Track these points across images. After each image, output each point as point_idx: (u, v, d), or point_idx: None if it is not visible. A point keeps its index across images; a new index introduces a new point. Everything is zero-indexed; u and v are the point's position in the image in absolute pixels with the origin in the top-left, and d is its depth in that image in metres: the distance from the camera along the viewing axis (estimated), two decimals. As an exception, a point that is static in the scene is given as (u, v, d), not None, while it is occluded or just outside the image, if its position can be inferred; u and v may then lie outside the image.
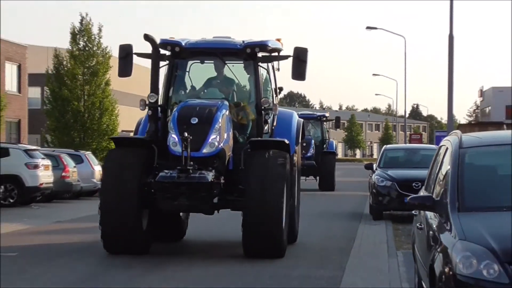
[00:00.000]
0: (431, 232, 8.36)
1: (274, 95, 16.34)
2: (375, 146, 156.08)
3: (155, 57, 15.31)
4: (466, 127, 46.67)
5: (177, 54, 15.38)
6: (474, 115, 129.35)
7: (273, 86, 16.38)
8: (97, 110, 45.60)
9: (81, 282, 12.06)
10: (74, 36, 45.39)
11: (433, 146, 28.91)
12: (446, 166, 8.70)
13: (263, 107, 15.05)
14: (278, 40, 15.89)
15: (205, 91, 15.88)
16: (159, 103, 15.14)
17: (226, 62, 15.81)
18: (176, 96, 15.63)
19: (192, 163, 13.54)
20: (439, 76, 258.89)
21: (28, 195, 28.07)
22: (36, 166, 28.23)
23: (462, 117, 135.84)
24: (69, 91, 45.01)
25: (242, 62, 15.82)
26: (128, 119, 46.84)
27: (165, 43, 15.34)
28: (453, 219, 7.74)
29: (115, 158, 14.58)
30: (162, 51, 15.51)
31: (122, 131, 54.09)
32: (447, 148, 9.11)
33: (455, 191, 8.12)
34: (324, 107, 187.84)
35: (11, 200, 27.52)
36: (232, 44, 15.64)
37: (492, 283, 6.94)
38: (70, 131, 45.01)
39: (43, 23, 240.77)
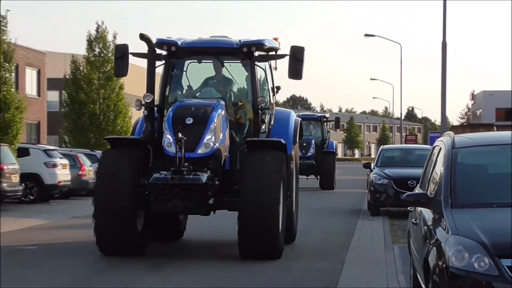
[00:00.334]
0: (425, 227, 8.35)
1: (271, 94, 15.50)
2: (372, 146, 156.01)
3: (151, 57, 14.43)
4: (458, 129, 46.64)
5: (173, 54, 14.44)
6: (466, 117, 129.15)
7: (270, 85, 15.55)
8: (112, 112, 45.65)
9: (87, 277, 11.98)
10: (90, 43, 45.45)
11: (427, 146, 28.90)
12: (440, 165, 8.69)
13: (259, 107, 14.23)
14: (276, 39, 15.11)
15: (202, 90, 14.92)
16: (155, 103, 14.30)
17: (223, 61, 14.86)
18: (173, 96, 14.74)
19: (187, 164, 12.69)
20: (433, 80, 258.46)
21: (47, 192, 28.18)
22: (54, 165, 28.34)
23: (454, 119, 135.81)
24: (85, 94, 45.09)
25: (239, 61, 14.88)
26: (141, 121, 46.75)
27: (161, 43, 14.41)
28: (446, 215, 7.73)
29: (109, 159, 13.57)
30: (159, 51, 14.59)
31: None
32: (440, 148, 9.11)
33: (448, 188, 8.11)
34: (324, 109, 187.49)
35: (31, 197, 27.64)
36: (228, 44, 14.69)
37: (483, 275, 6.93)
38: (86, 132, 45.08)
39: (61, 31, 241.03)
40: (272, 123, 15.07)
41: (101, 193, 13.05)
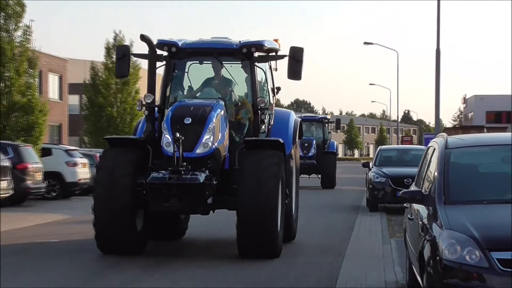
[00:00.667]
0: (420, 222, 8.34)
1: (272, 95, 14.67)
2: (371, 147, 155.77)
3: (152, 58, 13.62)
4: (451, 130, 46.55)
5: (174, 55, 13.71)
6: (458, 119, 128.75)
7: (270, 86, 14.70)
8: (128, 115, 45.76)
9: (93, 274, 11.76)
10: (108, 50, 45.50)
11: (422, 147, 28.86)
12: (434, 165, 8.69)
13: (259, 107, 13.41)
14: (276, 40, 14.30)
15: (202, 91, 14.08)
16: (157, 103, 13.60)
17: (223, 62, 14.00)
18: (174, 96, 13.90)
19: (185, 163, 11.96)
20: (427, 85, 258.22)
21: (68, 190, 28.25)
22: (75, 164, 28.42)
23: (447, 121, 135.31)
24: (104, 98, 45.23)
25: (239, 62, 14.04)
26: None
27: (162, 44, 13.67)
28: (440, 211, 7.73)
29: (108, 158, 12.72)
30: (160, 52, 13.81)
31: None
32: (434, 149, 9.11)
33: (441, 186, 8.11)
34: (326, 112, 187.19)
35: (54, 194, 27.71)
36: (228, 44, 13.89)
37: (474, 267, 6.93)
38: (104, 134, 45.02)
39: (82, 40, 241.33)
40: (272, 123, 14.37)
41: (100, 192, 12.34)
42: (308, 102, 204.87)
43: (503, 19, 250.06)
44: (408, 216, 9.58)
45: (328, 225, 18.68)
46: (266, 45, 13.85)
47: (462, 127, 63.55)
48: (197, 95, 13.98)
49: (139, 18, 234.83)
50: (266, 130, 13.96)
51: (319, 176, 35.80)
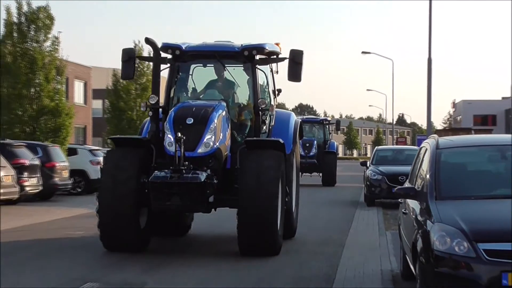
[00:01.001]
0: (413, 216, 8.33)
1: (273, 97, 13.99)
2: (368, 147, 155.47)
3: (156, 60, 13.02)
4: (442, 132, 46.42)
5: (178, 57, 13.03)
6: (448, 122, 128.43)
7: (272, 88, 14.00)
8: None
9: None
10: (128, 59, 45.60)
11: (415, 147, 28.79)
12: (426, 163, 8.67)
13: (260, 108, 12.76)
14: (277, 44, 13.64)
15: (205, 93, 13.38)
16: (161, 105, 12.95)
17: (226, 65, 13.31)
18: (177, 98, 13.22)
19: (187, 163, 11.33)
20: (420, 90, 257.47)
21: (92, 186, 28.10)
22: (98, 163, 28.27)
23: (438, 123, 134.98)
24: (124, 103, 45.26)
25: (241, 65, 13.31)
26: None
27: (166, 47, 12.99)
28: (431, 206, 7.72)
29: (112, 158, 12.08)
30: (164, 55, 13.19)
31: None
32: (426, 149, 9.09)
33: (433, 183, 8.10)
34: (327, 115, 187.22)
35: (79, 190, 27.72)
36: (230, 47, 13.22)
37: (462, 257, 6.93)
38: (125, 135, 45.25)
39: (105, 49, 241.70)
40: (273, 123, 13.69)
41: (105, 190, 11.68)
42: (311, 106, 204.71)
43: (489, 30, 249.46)
44: (402, 210, 9.56)
45: (329, 219, 18.67)
46: (267, 48, 13.21)
47: (451, 129, 63.37)
48: (201, 96, 13.35)
49: (158, 30, 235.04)
50: (267, 130, 13.37)
51: (320, 174, 35.29)
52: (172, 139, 11.45)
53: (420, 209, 8.02)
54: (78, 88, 53.05)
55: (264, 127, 13.13)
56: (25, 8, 33.86)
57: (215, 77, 13.60)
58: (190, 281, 9.94)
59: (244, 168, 11.73)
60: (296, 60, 12.96)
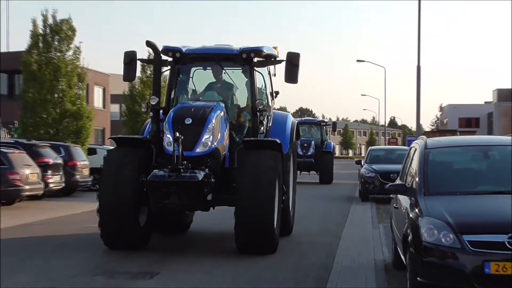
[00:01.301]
0: (404, 210, 8.33)
1: (270, 99, 13.26)
2: (363, 147, 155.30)
3: (157, 63, 12.32)
4: (430, 134, 46.38)
5: (178, 60, 12.38)
6: (435, 124, 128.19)
7: (269, 90, 13.27)
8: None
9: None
10: (143, 67, 45.59)
11: (406, 147, 28.76)
12: (415, 162, 8.67)
13: (257, 109, 12.10)
14: (275, 48, 12.93)
15: (205, 94, 12.70)
16: (162, 106, 12.33)
17: (225, 68, 12.65)
18: (178, 99, 12.55)
19: (185, 162, 10.65)
20: (410, 95, 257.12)
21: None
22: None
23: (426, 126, 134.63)
24: (140, 107, 45.30)
25: (239, 67, 12.64)
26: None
27: (167, 50, 12.36)
28: (420, 201, 7.72)
29: (113, 157, 11.43)
30: (165, 57, 12.55)
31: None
32: (416, 149, 9.09)
33: (421, 180, 8.10)
34: (325, 117, 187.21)
35: (98, 186, 27.68)
36: (229, 50, 12.52)
37: (448, 248, 6.93)
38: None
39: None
40: (270, 124, 12.99)
41: (105, 189, 11.04)
42: (310, 109, 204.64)
43: (474, 41, 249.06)
44: (394, 205, 9.56)
45: (326, 213, 18.65)
46: (264, 51, 12.52)
47: (438, 131, 63.35)
48: (200, 98, 12.62)
49: (172, 39, 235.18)
50: (264, 131, 12.67)
51: (318, 173, 34.75)
52: (171, 139, 10.82)
53: (410, 204, 8.02)
54: (97, 94, 53.10)
55: (262, 128, 12.48)
56: (50, 20, 33.99)
57: (215, 79, 12.96)
58: (190, 277, 9.24)
59: (242, 168, 11.05)
60: (293, 62, 12.31)
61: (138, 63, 12.60)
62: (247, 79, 12.62)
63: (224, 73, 12.65)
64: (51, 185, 21.90)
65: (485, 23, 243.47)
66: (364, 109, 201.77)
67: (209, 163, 11.16)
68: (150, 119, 12.44)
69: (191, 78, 12.83)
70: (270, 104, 13.13)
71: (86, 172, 25.20)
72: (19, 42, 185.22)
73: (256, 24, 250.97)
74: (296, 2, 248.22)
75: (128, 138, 13.03)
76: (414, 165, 8.67)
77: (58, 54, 34.11)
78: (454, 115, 78.33)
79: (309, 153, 33.50)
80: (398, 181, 9.69)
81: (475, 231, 6.93)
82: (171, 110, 11.65)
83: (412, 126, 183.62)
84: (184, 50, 12.37)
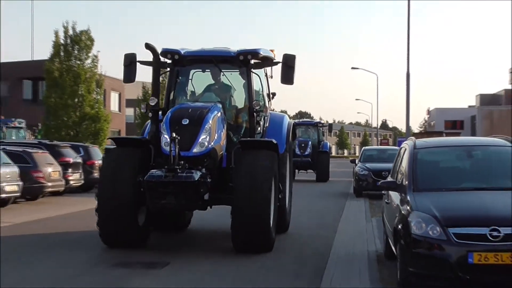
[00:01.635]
0: (394, 205, 8.33)
1: (267, 100, 12.60)
2: (357, 147, 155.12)
3: (156, 64, 11.53)
4: (418, 135, 46.38)
5: (177, 62, 11.76)
6: (423, 126, 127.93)
7: (266, 92, 12.62)
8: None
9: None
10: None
11: (396, 147, 28.72)
12: (405, 161, 8.67)
13: (254, 109, 11.45)
14: (272, 51, 12.29)
15: (203, 95, 12.01)
16: (161, 106, 11.60)
17: (223, 70, 11.97)
18: (177, 100, 11.88)
19: (182, 162, 9.96)
20: (400, 99, 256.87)
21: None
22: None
23: (415, 128, 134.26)
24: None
25: (237, 70, 11.93)
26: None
27: (166, 52, 11.71)
28: (409, 196, 7.72)
29: (112, 157, 10.68)
30: (164, 59, 11.87)
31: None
32: (405, 149, 9.08)
33: (411, 177, 8.09)
34: (322, 120, 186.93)
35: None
36: (226, 52, 11.83)
37: (435, 240, 6.94)
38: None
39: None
40: (267, 125, 12.31)
41: (103, 188, 10.31)
42: (308, 112, 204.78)
43: (460, 49, 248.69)
44: (385, 200, 9.56)
45: (323, 208, 18.60)
46: (261, 53, 11.81)
47: (426, 132, 63.24)
48: (199, 99, 11.91)
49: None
50: (261, 131, 11.94)
51: (315, 171, 34.05)
52: (168, 139, 10.14)
53: (400, 199, 8.02)
54: (114, 98, 53.14)
55: (259, 128, 11.77)
56: (70, 31, 34.07)
57: (212, 81, 12.26)
58: (188, 275, 8.65)
59: (239, 168, 10.35)
60: (288, 64, 11.59)
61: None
62: (244, 81, 11.98)
63: (223, 75, 12.07)
64: (71, 182, 21.96)
65: (470, 34, 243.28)
66: (358, 113, 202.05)
67: (206, 163, 10.46)
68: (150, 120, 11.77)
69: (190, 80, 12.22)
70: (267, 105, 12.51)
71: (103, 170, 25.20)
72: (42, 51, 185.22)
73: (256, 31, 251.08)
74: (295, 15, 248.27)
75: (127, 138, 12.35)
76: (404, 163, 8.67)
77: (78, 62, 34.22)
78: (441, 118, 78.11)
79: (306, 153, 33.22)
80: (389, 179, 9.68)
81: (459, 224, 6.93)
82: (169, 110, 10.99)
83: (402, 128, 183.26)
84: (182, 52, 11.79)
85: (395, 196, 8.46)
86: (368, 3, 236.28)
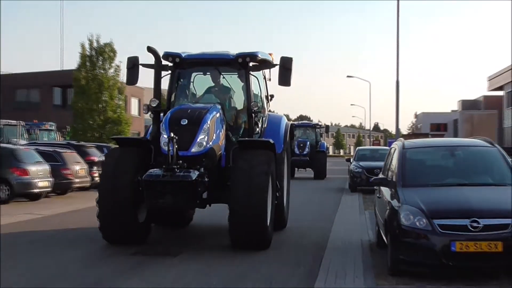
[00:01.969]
0: (385, 199, 8.33)
1: (266, 101, 11.89)
2: (352, 147, 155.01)
3: (157, 67, 10.97)
4: (407, 136, 46.22)
5: (178, 65, 11.13)
6: (411, 129, 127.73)
7: (264, 93, 11.88)
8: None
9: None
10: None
11: (387, 147, 28.69)
12: (395, 160, 8.68)
13: (252, 110, 10.75)
14: (270, 54, 11.59)
15: (203, 97, 11.33)
16: (162, 108, 10.94)
17: (223, 73, 11.37)
18: (177, 102, 11.22)
19: (181, 161, 9.28)
20: (391, 105, 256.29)
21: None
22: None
23: (404, 130, 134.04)
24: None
25: (236, 72, 11.28)
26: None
27: (168, 55, 11.11)
28: (399, 191, 7.73)
29: (112, 156, 10.00)
30: (166, 62, 11.21)
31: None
32: (395, 149, 9.09)
33: (400, 174, 8.10)
34: (319, 122, 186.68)
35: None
36: (225, 55, 11.17)
37: (422, 230, 6.96)
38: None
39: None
40: (265, 125, 11.65)
41: (104, 186, 9.62)
42: (308, 116, 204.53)
43: (444, 58, 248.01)
44: (377, 195, 9.56)
45: (320, 202, 18.59)
46: (259, 55, 11.13)
47: (414, 134, 63.13)
48: (199, 101, 11.25)
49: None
50: (259, 131, 11.26)
51: (313, 169, 33.37)
52: (167, 139, 9.37)
53: (391, 194, 8.02)
54: (134, 104, 53.22)
55: (257, 129, 11.09)
56: (95, 44, 34.18)
57: (213, 83, 11.58)
58: (187, 273, 7.90)
59: (236, 167, 9.60)
60: (286, 66, 10.81)
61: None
62: (243, 83, 11.26)
63: (222, 77, 11.45)
64: (96, 179, 21.94)
65: (453, 45, 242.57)
66: (353, 116, 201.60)
67: (204, 162, 9.69)
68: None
69: (191, 83, 11.58)
70: (265, 106, 11.83)
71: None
72: (70, 62, 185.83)
73: (257, 38, 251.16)
74: (295, 26, 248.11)
75: (128, 138, 11.64)
76: (394, 162, 8.67)
77: (102, 71, 34.31)
78: (427, 121, 77.95)
79: (305, 152, 32.97)
80: (381, 175, 9.68)
81: (443, 216, 6.95)
82: (169, 111, 10.29)
83: (392, 130, 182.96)
84: (183, 55, 11.17)
85: (386, 191, 8.47)
86: (364, 24, 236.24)
